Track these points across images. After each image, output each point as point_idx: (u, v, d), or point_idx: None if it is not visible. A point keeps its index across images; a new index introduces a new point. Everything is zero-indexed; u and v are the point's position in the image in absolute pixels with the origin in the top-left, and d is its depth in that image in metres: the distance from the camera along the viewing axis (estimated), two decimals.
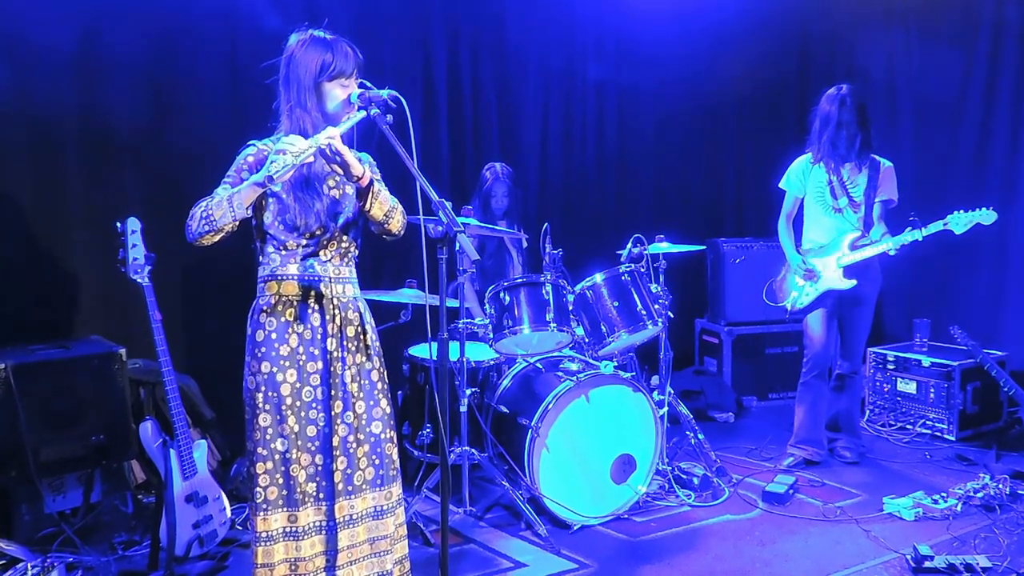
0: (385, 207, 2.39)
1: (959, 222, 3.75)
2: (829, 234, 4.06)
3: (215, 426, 3.88)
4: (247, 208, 2.23)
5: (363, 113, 2.30)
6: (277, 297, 2.35)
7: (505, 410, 3.68)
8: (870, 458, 4.29)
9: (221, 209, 2.20)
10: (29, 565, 2.94)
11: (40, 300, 3.78)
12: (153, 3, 3.96)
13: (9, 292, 3.66)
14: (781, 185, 4.22)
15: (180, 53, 4.06)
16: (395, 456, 2.51)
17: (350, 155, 2.25)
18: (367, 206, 2.34)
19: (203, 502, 3.14)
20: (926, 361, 4.70)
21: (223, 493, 3.25)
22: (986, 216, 3.74)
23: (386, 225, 2.41)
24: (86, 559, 3.11)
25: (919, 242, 3.80)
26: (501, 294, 3.55)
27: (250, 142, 2.39)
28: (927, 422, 4.68)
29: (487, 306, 3.59)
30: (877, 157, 4.02)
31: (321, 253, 2.38)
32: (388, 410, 2.49)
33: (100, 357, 3.40)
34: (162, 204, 3.89)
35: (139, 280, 3.01)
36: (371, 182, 2.32)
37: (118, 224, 3.00)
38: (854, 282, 3.98)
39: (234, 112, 4.14)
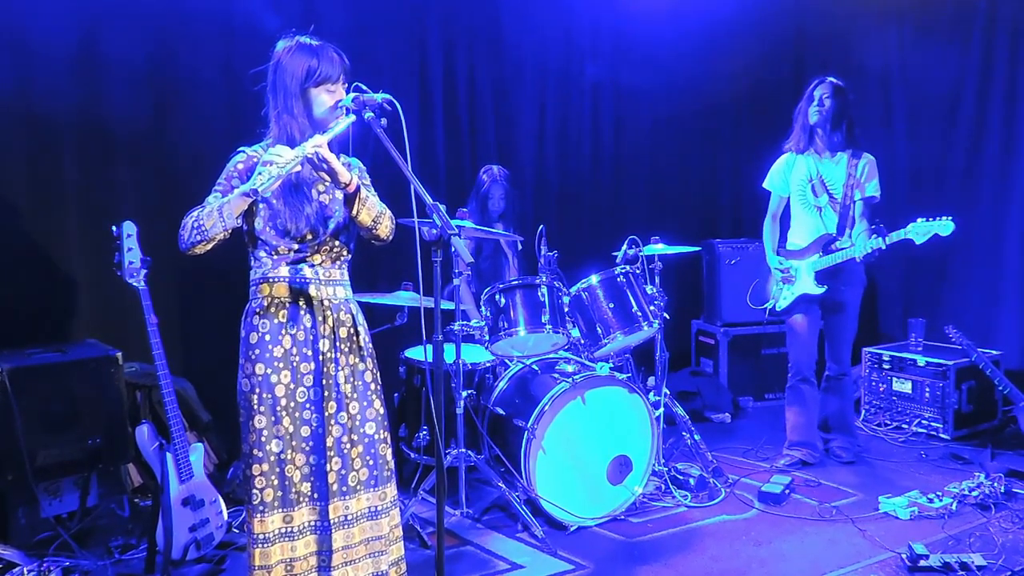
0: (373, 213, 2.40)
1: (919, 232, 3.71)
2: (809, 234, 4.07)
3: (212, 429, 3.88)
4: (237, 217, 2.24)
5: (352, 118, 2.31)
6: (270, 299, 2.37)
7: (501, 412, 3.68)
8: (866, 458, 4.30)
9: (212, 219, 2.22)
10: (26, 569, 2.94)
11: (37, 303, 3.77)
12: (152, 4, 3.96)
13: (5, 295, 3.66)
14: (765, 185, 4.24)
15: (179, 55, 4.06)
16: (389, 457, 2.52)
17: (337, 163, 2.27)
18: (354, 212, 2.36)
19: (200, 505, 3.14)
20: (921, 360, 4.71)
21: (220, 496, 3.25)
22: (944, 226, 3.69)
23: (374, 231, 2.43)
24: (83, 563, 3.11)
25: (883, 250, 3.79)
26: (497, 296, 3.55)
27: (239, 149, 2.40)
28: (922, 421, 4.69)
29: (483, 308, 3.59)
30: (860, 151, 4.00)
31: (312, 256, 2.39)
32: (382, 411, 2.50)
33: (96, 361, 3.40)
34: (160, 207, 3.90)
35: (135, 283, 3.01)
36: (358, 188, 2.34)
37: (114, 228, 3.00)
38: (824, 288, 3.99)
39: (232, 115, 4.14)
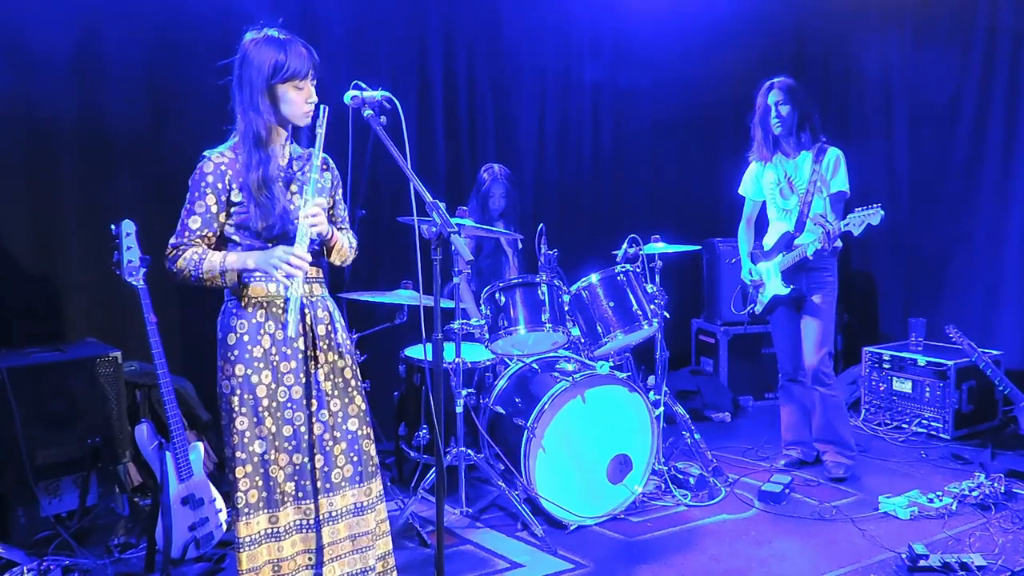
0: (343, 255, 2.50)
1: (855, 222, 3.67)
2: (778, 236, 4.07)
3: (211, 428, 3.87)
4: (237, 277, 2.32)
5: (324, 107, 2.31)
6: (246, 299, 2.35)
7: (501, 411, 3.68)
8: (866, 457, 4.29)
9: (212, 276, 2.28)
10: (25, 568, 2.94)
11: (36, 302, 3.77)
12: (151, 7, 3.96)
13: (4, 294, 3.66)
14: (739, 191, 4.24)
15: (177, 57, 4.05)
16: (373, 452, 2.51)
17: (323, 223, 2.30)
18: (327, 255, 2.45)
19: (199, 504, 3.14)
20: (922, 360, 4.71)
21: (219, 495, 3.25)
22: (875, 216, 3.64)
23: (337, 263, 2.53)
24: (82, 562, 3.11)
25: (835, 246, 3.76)
26: (497, 295, 3.55)
27: (203, 154, 2.35)
28: (923, 421, 4.69)
29: (483, 307, 3.59)
30: (827, 145, 3.92)
31: None
32: (363, 407, 2.49)
33: (96, 360, 3.40)
34: (158, 207, 3.88)
35: (134, 282, 3.00)
36: (334, 237, 2.40)
37: (113, 227, 3.00)
38: (791, 288, 3.96)
39: (229, 117, 4.13)
